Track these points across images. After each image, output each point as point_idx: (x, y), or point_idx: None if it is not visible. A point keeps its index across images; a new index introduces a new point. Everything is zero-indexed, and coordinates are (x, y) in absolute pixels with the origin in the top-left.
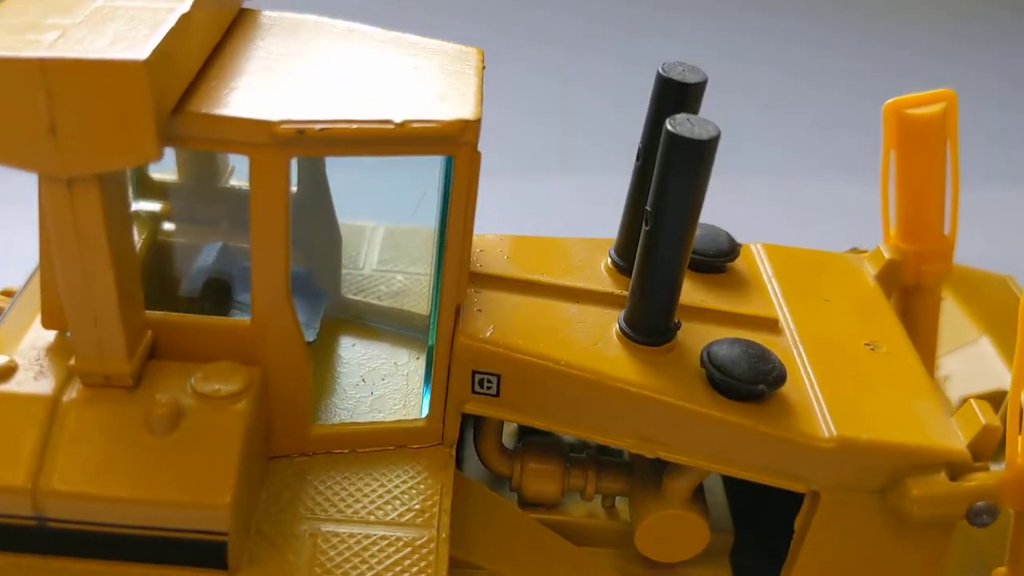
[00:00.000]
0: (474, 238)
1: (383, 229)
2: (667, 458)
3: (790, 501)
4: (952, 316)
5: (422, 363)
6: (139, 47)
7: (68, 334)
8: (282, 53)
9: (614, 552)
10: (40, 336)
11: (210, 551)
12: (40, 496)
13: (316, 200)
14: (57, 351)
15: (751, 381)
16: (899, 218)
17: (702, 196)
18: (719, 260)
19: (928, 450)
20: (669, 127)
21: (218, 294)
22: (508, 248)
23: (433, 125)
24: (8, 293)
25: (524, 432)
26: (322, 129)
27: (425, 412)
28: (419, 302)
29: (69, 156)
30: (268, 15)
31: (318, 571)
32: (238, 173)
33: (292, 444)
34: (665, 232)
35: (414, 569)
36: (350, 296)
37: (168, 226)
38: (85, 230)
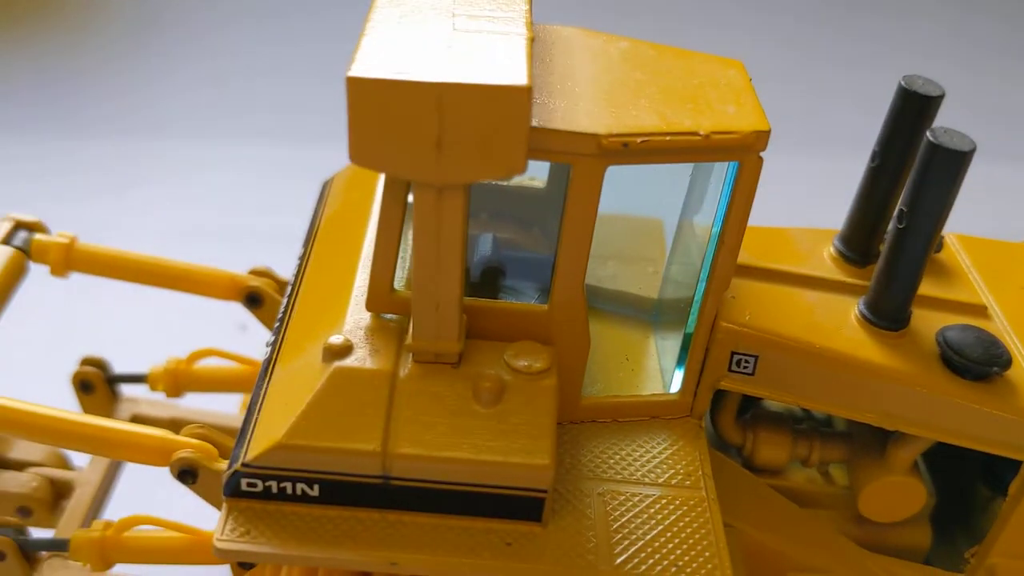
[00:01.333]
0: None
1: None
2: (907, 431)
3: (979, 467)
4: None
5: (652, 342)
6: (516, 72)
7: (387, 316)
8: (573, 65)
9: (828, 513)
10: (361, 318)
11: (528, 506)
12: (389, 459)
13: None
14: (378, 331)
15: (986, 363)
16: None
17: (954, 200)
18: None
19: None
20: (931, 138)
21: (492, 280)
22: None
23: (734, 136)
24: (259, 272)
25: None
26: (643, 141)
27: (676, 388)
28: (638, 287)
29: (448, 168)
30: (535, 27)
31: (614, 525)
32: None
33: (566, 413)
34: (918, 231)
35: (695, 525)
36: None
37: None
38: (446, 231)
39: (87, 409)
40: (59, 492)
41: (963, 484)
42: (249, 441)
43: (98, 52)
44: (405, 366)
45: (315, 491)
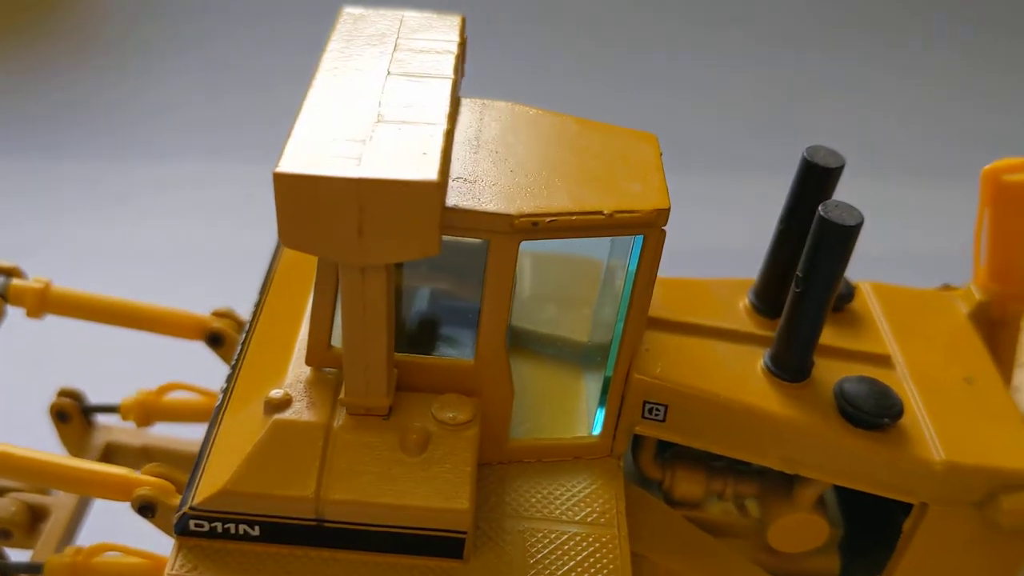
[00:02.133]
0: None
1: (530, 256)
2: (805, 475)
3: (887, 503)
4: None
5: (582, 384)
6: (429, 167)
7: (326, 370)
8: (500, 142)
9: (742, 542)
10: (302, 372)
11: (450, 545)
12: (322, 503)
13: None
14: (316, 384)
15: (877, 415)
16: (989, 263)
17: (845, 267)
18: (840, 302)
19: (1019, 472)
20: (822, 213)
21: (429, 331)
22: (660, 291)
23: (636, 214)
24: (221, 314)
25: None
26: (551, 220)
27: (598, 430)
28: (572, 330)
29: (369, 251)
30: (468, 102)
31: (531, 560)
32: None
33: (493, 455)
34: (813, 296)
35: (604, 561)
36: (514, 323)
37: None
38: (370, 303)
39: (64, 437)
40: (36, 515)
41: (879, 509)
42: (197, 485)
43: (64, 72)
44: (339, 418)
45: (256, 531)
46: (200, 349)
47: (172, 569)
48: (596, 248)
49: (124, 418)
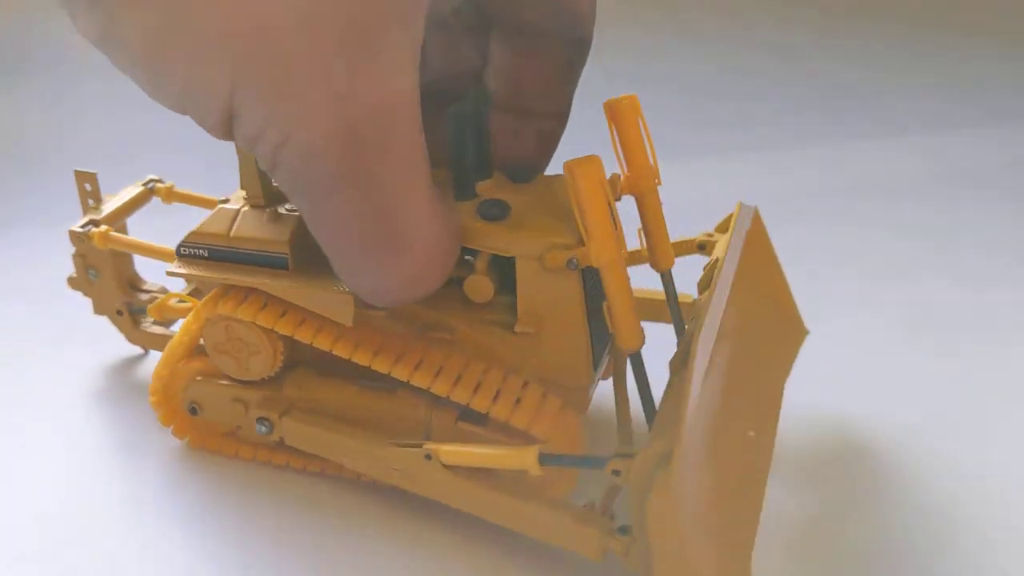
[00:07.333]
0: None
1: None
2: (473, 248)
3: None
4: None
5: None
6: None
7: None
8: None
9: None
10: None
11: (278, 261)
12: (231, 240)
13: None
14: None
15: (500, 211)
16: (627, 162)
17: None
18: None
19: (559, 242)
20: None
21: None
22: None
23: None
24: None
25: None
26: None
27: None
28: None
29: None
30: None
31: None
32: None
33: None
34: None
35: None
36: None
37: None
38: None
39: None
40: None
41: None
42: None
43: None
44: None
45: (205, 253)
46: None
47: (173, 268)
48: None
49: None
